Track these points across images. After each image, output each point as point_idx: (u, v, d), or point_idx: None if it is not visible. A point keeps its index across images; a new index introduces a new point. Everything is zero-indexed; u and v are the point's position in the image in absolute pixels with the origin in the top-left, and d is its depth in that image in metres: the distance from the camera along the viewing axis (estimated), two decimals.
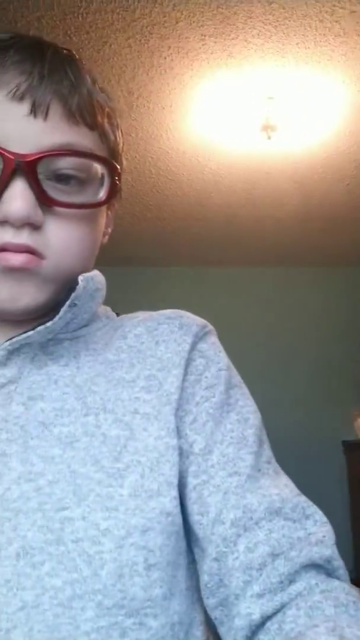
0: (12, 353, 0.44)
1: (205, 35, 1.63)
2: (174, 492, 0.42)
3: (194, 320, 0.51)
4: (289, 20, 1.57)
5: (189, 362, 0.48)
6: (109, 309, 0.55)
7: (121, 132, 0.51)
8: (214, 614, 0.41)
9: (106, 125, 0.46)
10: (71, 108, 0.42)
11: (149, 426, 0.44)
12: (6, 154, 0.39)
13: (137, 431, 0.43)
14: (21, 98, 0.40)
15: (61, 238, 0.43)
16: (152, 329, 0.50)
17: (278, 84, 1.82)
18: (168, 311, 0.53)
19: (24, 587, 0.36)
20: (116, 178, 0.45)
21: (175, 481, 0.42)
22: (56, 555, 0.37)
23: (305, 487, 0.54)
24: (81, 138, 0.43)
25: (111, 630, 0.36)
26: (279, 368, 3.29)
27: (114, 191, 0.45)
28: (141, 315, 0.53)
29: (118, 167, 0.46)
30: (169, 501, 0.41)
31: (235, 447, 0.44)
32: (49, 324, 0.43)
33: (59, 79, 0.42)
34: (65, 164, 0.42)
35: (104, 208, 0.48)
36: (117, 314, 0.55)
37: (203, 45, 1.66)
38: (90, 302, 0.47)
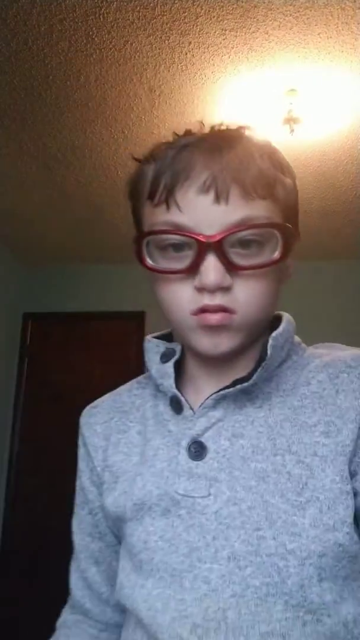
0: (220, 397, 0.55)
1: (225, 30, 1.63)
2: (347, 529, 0.49)
3: None
4: (310, 10, 1.55)
5: None
6: (297, 340, 0.64)
7: (294, 182, 0.59)
8: None
9: (277, 190, 0.54)
10: (246, 188, 0.51)
11: (327, 468, 0.51)
12: (199, 237, 0.50)
13: (317, 471, 0.51)
14: (207, 190, 0.50)
15: (247, 294, 0.52)
16: (333, 377, 0.56)
17: (300, 76, 1.80)
18: (349, 356, 0.57)
19: (234, 582, 0.49)
20: (290, 236, 0.54)
21: (349, 520, 0.49)
22: (255, 563, 0.49)
23: None
24: (256, 210, 0.51)
25: (295, 621, 0.47)
26: None
27: (288, 249, 0.53)
28: (325, 354, 0.60)
29: (290, 226, 0.54)
30: (342, 536, 0.49)
31: None
32: (245, 384, 0.54)
33: (235, 166, 0.51)
34: (245, 234, 0.51)
35: (282, 259, 0.53)
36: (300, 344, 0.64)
37: (224, 39, 1.66)
38: (280, 352, 0.57)
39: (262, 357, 0.55)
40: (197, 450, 0.55)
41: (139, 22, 1.61)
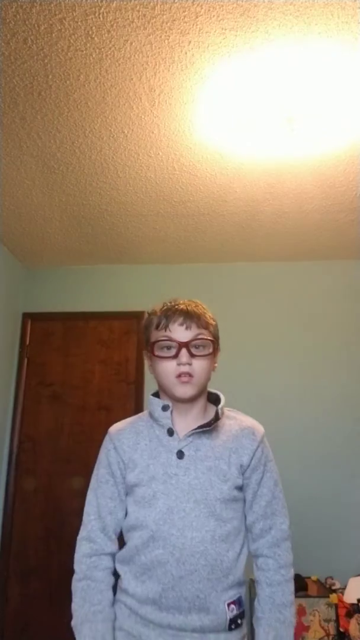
0: (192, 432, 1.21)
1: (225, 29, 1.62)
2: (238, 490, 1.20)
3: (260, 431, 1.26)
4: (310, 10, 1.55)
5: (255, 453, 1.22)
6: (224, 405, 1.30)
7: (216, 325, 1.27)
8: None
9: (210, 326, 1.23)
10: (198, 324, 1.20)
11: (233, 467, 1.19)
12: (179, 342, 1.18)
13: (230, 468, 1.19)
14: (182, 324, 1.19)
15: (198, 368, 1.19)
16: (242, 429, 1.25)
17: (300, 76, 1.80)
18: (249, 422, 1.28)
19: (195, 510, 1.15)
20: (216, 344, 1.25)
21: (238, 487, 1.20)
22: (205, 502, 1.16)
23: None
24: (202, 332, 1.20)
25: (217, 525, 1.16)
26: (303, 363, 3.26)
27: (216, 349, 1.24)
28: (236, 417, 1.29)
29: (215, 340, 1.24)
30: (237, 493, 1.20)
31: (266, 485, 1.24)
32: (208, 428, 1.20)
33: (193, 317, 1.20)
34: (197, 342, 1.19)
35: (213, 355, 1.24)
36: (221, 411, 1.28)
37: (224, 39, 1.66)
38: (220, 414, 1.25)
39: (216, 417, 1.23)
40: (180, 454, 1.19)
41: (139, 22, 1.60)
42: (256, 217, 2.87)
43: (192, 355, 1.17)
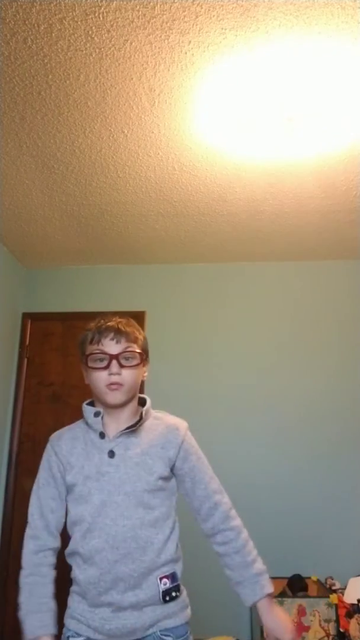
0: (121, 433, 1.34)
1: (225, 29, 1.62)
2: (164, 480, 1.34)
3: (183, 426, 1.41)
4: (310, 10, 1.55)
5: (181, 445, 1.37)
6: (150, 410, 1.42)
7: (145, 339, 1.42)
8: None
9: (139, 340, 1.37)
10: (127, 339, 1.34)
11: (159, 461, 1.34)
12: (110, 354, 1.32)
13: (155, 463, 1.33)
14: (113, 339, 1.33)
15: (127, 377, 1.33)
16: (168, 427, 1.39)
17: (300, 76, 1.80)
18: (173, 421, 1.42)
19: (126, 501, 1.29)
20: (144, 356, 1.38)
21: (164, 477, 1.34)
22: (134, 494, 1.29)
23: None
24: (132, 345, 1.34)
25: (145, 513, 1.29)
26: (303, 363, 3.26)
27: (144, 361, 1.38)
28: (162, 417, 1.42)
29: (143, 352, 1.38)
30: (162, 483, 1.33)
31: (201, 470, 1.41)
32: (133, 428, 1.34)
33: (123, 333, 1.34)
34: (126, 354, 1.33)
35: (142, 365, 1.38)
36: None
37: (224, 39, 1.66)
38: (146, 416, 1.39)
39: (141, 418, 1.35)
40: (111, 454, 1.31)
41: (139, 21, 1.60)
42: (256, 217, 2.86)
43: (121, 366, 1.31)
